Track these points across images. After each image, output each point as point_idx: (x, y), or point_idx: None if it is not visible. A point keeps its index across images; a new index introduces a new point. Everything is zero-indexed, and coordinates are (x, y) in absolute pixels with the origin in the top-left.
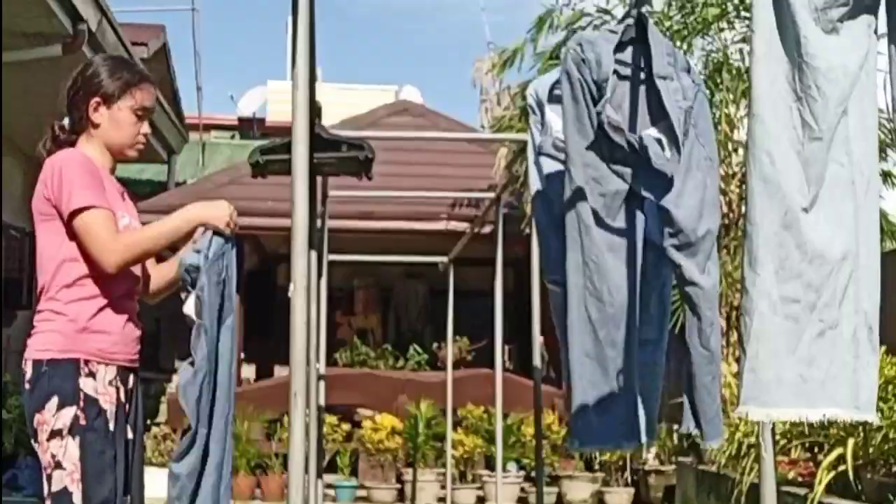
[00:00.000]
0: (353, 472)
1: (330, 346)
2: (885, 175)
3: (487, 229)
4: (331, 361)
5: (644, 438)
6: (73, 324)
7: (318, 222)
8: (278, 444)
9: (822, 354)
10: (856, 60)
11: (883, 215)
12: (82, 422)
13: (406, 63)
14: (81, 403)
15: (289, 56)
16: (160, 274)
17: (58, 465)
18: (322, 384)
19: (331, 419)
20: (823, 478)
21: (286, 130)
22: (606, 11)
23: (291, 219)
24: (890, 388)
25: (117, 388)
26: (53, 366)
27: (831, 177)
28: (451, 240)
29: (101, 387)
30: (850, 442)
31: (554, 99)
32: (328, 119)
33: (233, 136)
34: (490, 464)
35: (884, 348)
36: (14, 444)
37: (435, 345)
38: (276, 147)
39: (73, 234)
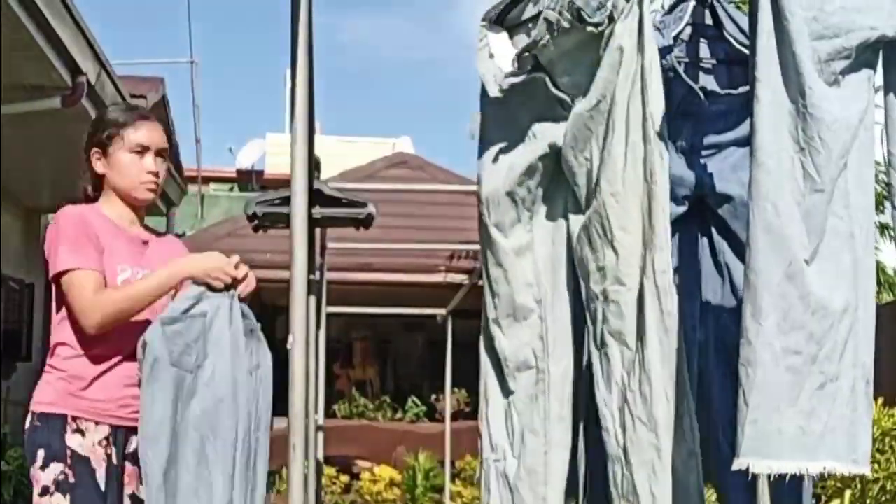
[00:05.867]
0: None
1: (328, 398)
2: (882, 227)
3: None
4: (329, 413)
5: None
6: (65, 381)
7: (317, 274)
8: (277, 495)
9: (822, 407)
10: (856, 113)
11: (881, 268)
12: (71, 479)
13: (404, 115)
14: (68, 460)
15: (287, 109)
16: None
17: None
18: (321, 436)
19: (329, 471)
20: None
21: (285, 183)
22: None
23: (290, 271)
24: (888, 439)
25: (107, 449)
26: (43, 419)
27: (831, 229)
28: (450, 292)
29: (90, 445)
30: (847, 493)
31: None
32: (327, 171)
33: (231, 189)
34: None
35: (881, 400)
36: (13, 495)
37: (433, 396)
38: (273, 200)
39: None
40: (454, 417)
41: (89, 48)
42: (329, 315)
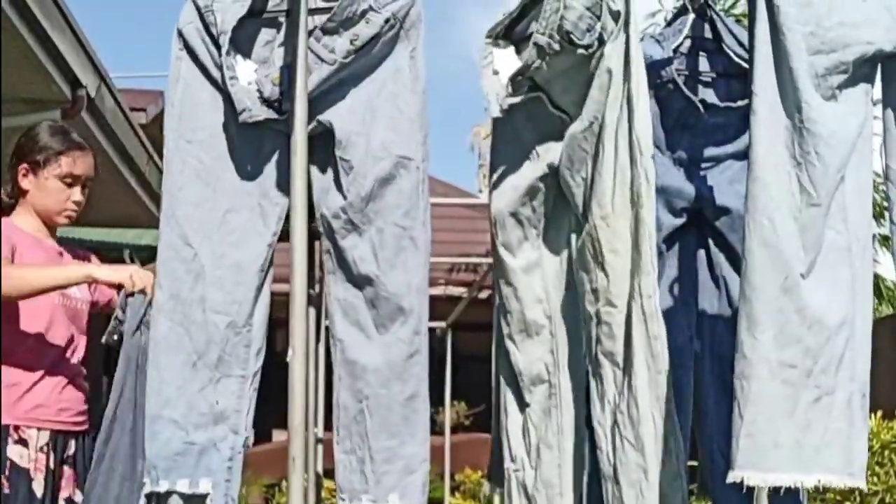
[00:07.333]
0: None
1: (328, 411)
2: (883, 239)
3: (485, 294)
4: (329, 426)
5: None
6: (5, 390)
7: (317, 287)
8: None
9: (818, 420)
10: (854, 127)
11: (881, 280)
12: (6, 490)
13: None
14: (6, 472)
15: None
16: None
17: None
18: (320, 448)
19: (329, 484)
20: None
21: None
22: None
23: (290, 284)
24: (887, 452)
25: (48, 455)
26: None
27: (828, 243)
28: (449, 305)
29: (32, 453)
30: None
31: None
32: None
33: None
34: None
35: (880, 413)
36: None
37: (433, 409)
38: None
39: None
40: (454, 430)
41: (89, 61)
42: (329, 328)
